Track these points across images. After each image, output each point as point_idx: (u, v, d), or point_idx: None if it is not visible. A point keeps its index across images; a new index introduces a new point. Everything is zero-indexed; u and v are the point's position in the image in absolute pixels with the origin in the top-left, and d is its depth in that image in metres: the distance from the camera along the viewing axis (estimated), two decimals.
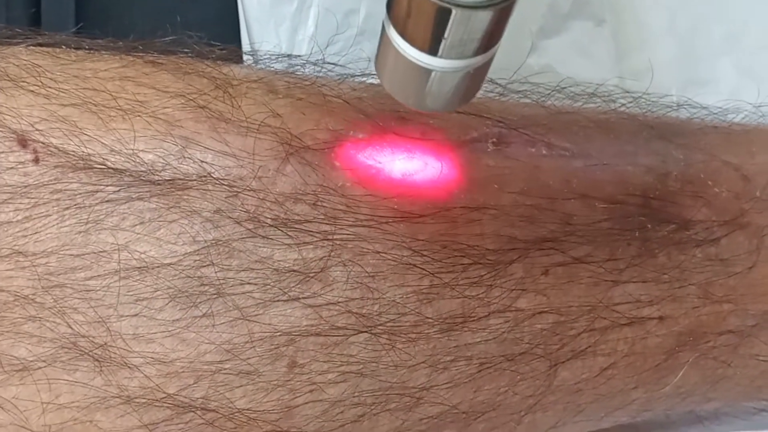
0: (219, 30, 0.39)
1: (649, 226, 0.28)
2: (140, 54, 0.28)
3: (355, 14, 0.38)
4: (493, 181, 0.27)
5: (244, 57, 0.37)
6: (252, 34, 0.38)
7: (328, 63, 0.30)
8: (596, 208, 0.28)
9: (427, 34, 0.21)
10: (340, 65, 0.30)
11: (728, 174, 0.30)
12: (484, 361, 0.27)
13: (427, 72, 0.21)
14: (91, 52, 0.28)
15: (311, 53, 0.31)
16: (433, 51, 0.21)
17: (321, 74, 0.30)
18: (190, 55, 0.28)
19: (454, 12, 0.20)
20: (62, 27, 0.38)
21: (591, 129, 0.29)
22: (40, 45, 0.28)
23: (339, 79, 0.29)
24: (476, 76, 0.22)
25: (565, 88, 0.31)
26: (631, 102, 0.32)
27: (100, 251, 0.24)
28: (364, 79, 0.30)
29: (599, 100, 0.31)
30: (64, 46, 0.28)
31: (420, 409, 0.26)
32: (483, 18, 0.20)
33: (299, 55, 0.30)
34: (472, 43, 0.21)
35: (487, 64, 0.22)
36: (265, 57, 0.31)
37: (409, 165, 0.27)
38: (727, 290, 0.29)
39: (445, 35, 0.20)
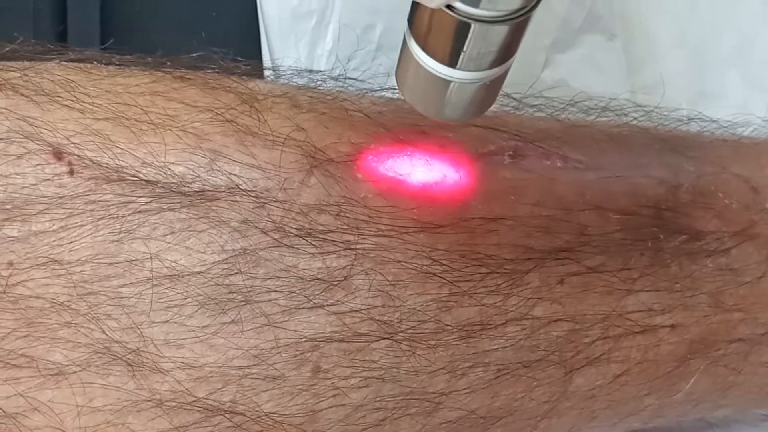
0: (239, 45, 0.40)
1: (662, 236, 0.29)
2: (168, 69, 0.29)
3: (372, 30, 0.39)
4: (509, 193, 0.28)
5: (265, 72, 0.38)
6: (272, 49, 0.39)
7: (349, 78, 0.31)
8: (610, 219, 0.29)
9: (446, 47, 0.22)
10: (360, 80, 0.31)
11: (738, 186, 0.31)
12: (501, 367, 0.27)
13: (446, 83, 0.23)
14: (121, 67, 0.29)
15: (331, 68, 0.32)
16: (452, 63, 0.22)
17: (342, 89, 0.31)
18: (216, 70, 0.29)
19: (472, 26, 0.21)
20: (88, 43, 0.39)
21: (604, 142, 0.30)
22: (72, 61, 0.29)
23: (359, 93, 0.30)
24: (493, 88, 0.23)
25: (578, 102, 0.32)
26: (643, 116, 0.33)
27: (133, 260, 0.25)
28: (383, 93, 0.31)
29: (612, 114, 0.32)
30: (95, 62, 0.29)
31: (439, 414, 0.27)
32: (500, 32, 0.21)
33: (321, 71, 0.31)
34: (490, 55, 0.22)
35: (503, 76, 0.23)
36: (288, 72, 0.32)
37: (429, 177, 0.28)
38: (737, 299, 0.30)
39: (464, 48, 0.21)
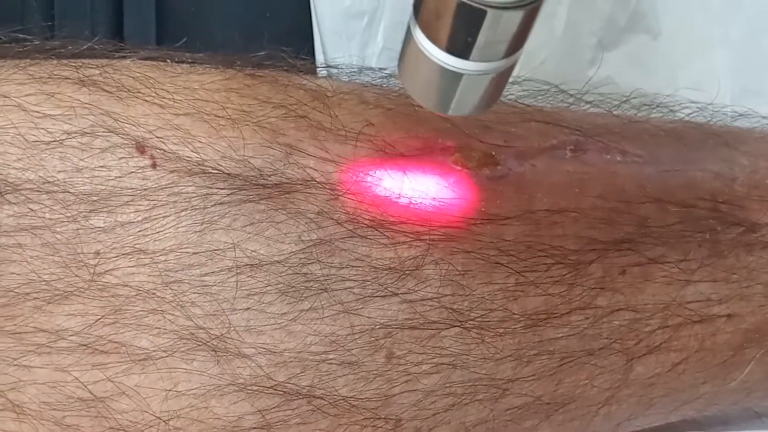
0: (292, 45, 0.41)
1: (719, 228, 0.30)
2: (239, 67, 0.30)
3: None
4: (573, 186, 0.29)
5: (319, 71, 0.39)
6: (326, 49, 0.40)
7: None
8: (669, 211, 0.29)
9: (455, 36, 0.21)
10: None
11: None
12: (565, 355, 0.28)
13: (453, 75, 0.21)
14: (194, 65, 0.30)
15: (387, 67, 0.33)
16: (461, 53, 0.21)
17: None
18: (285, 68, 0.30)
19: (485, 13, 0.20)
20: (144, 43, 0.40)
21: (661, 137, 0.31)
22: (145, 59, 0.30)
23: None
24: (500, 81, 0.22)
25: (632, 98, 0.33)
26: (695, 112, 0.33)
27: (215, 249, 0.26)
28: None
29: (665, 110, 0.33)
30: (168, 60, 0.30)
31: (506, 400, 0.28)
32: (514, 19, 0.20)
33: (383, 68, 0.32)
34: (501, 44, 0.21)
35: (511, 69, 0.22)
36: (348, 70, 0.33)
37: (494, 170, 0.28)
38: None
39: (475, 37, 0.20)
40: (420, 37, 0.21)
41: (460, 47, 0.21)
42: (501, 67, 0.22)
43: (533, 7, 0.20)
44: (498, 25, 0.20)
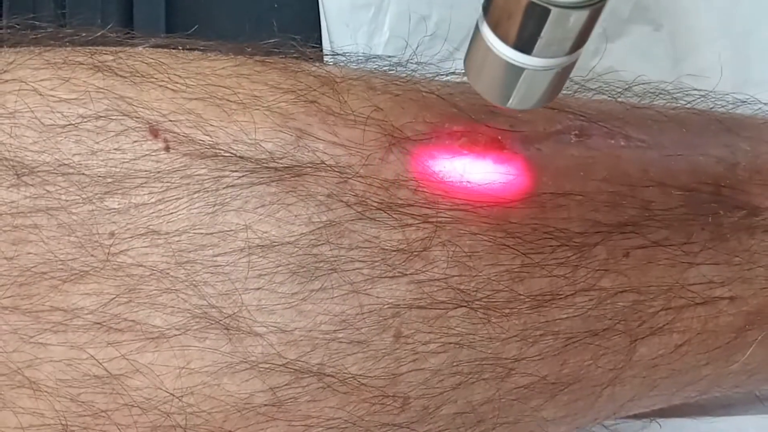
0: (298, 35, 0.42)
1: (721, 212, 0.30)
2: (249, 54, 0.30)
3: (428, 20, 0.41)
4: (577, 170, 0.29)
5: (327, 60, 0.40)
6: (333, 39, 0.40)
7: (418, 63, 0.32)
8: (672, 195, 0.30)
9: (522, 33, 0.22)
10: (427, 64, 0.33)
11: None
12: (570, 336, 0.29)
13: (518, 70, 0.23)
14: (205, 52, 0.30)
15: (396, 56, 0.34)
16: (527, 50, 0.22)
17: (410, 74, 0.32)
18: (294, 56, 0.31)
19: (551, 11, 0.21)
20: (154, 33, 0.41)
21: (664, 123, 0.32)
22: (157, 46, 0.30)
23: (429, 77, 0.31)
24: (563, 76, 0.24)
25: (635, 86, 0.34)
26: (697, 99, 0.34)
27: (227, 230, 0.26)
28: (448, 78, 0.32)
29: (668, 97, 0.34)
30: (179, 47, 0.30)
31: (511, 380, 0.28)
32: (579, 17, 0.21)
33: (390, 56, 0.33)
34: (566, 42, 0.22)
35: (573, 64, 0.23)
36: (356, 58, 0.33)
37: (501, 154, 0.29)
38: None
39: (541, 34, 0.21)
40: (488, 35, 0.23)
41: (527, 44, 0.22)
42: (564, 63, 0.23)
43: (597, 8, 0.21)
44: (564, 24, 0.21)
